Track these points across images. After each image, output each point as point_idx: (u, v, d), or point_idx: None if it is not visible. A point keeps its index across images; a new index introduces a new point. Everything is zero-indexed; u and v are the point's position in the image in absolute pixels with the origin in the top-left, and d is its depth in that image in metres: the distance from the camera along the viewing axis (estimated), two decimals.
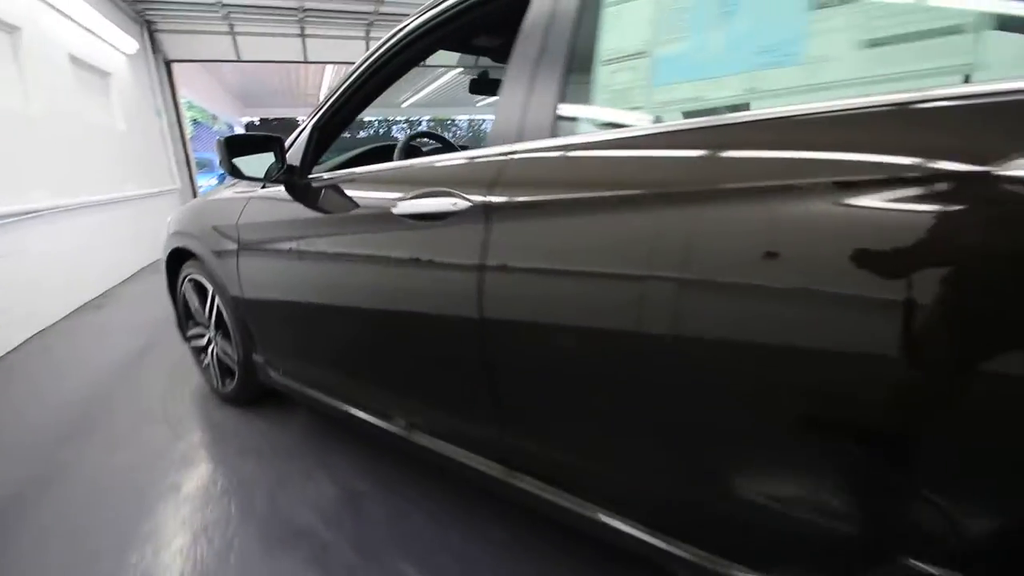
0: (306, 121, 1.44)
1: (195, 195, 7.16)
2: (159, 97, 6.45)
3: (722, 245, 0.65)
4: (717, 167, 0.68)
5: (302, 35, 6.91)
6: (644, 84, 0.78)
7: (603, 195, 0.76)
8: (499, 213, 0.88)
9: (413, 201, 1.02)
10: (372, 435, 1.34)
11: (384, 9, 6.40)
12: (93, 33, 4.54)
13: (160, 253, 2.14)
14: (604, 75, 0.82)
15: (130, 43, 5.34)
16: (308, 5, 6.15)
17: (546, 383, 0.90)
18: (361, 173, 1.27)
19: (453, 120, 18.45)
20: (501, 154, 0.91)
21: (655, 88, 0.77)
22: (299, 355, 1.54)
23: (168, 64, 6.70)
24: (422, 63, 1.39)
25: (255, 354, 1.70)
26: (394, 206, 1.05)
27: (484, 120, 18.09)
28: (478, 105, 15.76)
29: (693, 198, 0.68)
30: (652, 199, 0.71)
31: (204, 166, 11.24)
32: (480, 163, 0.95)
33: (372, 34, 7.09)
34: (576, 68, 0.86)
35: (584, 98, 0.85)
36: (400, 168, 1.20)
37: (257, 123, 18.48)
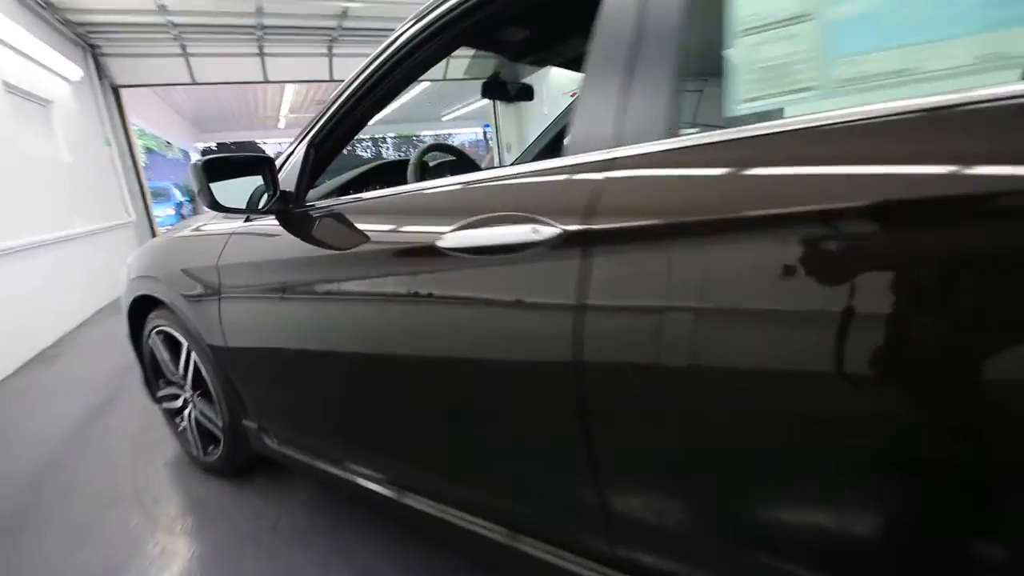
0: (296, 139, 1.19)
1: (152, 226, 6.70)
2: (107, 125, 6.00)
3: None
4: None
5: (260, 54, 6.57)
6: (812, 56, 0.57)
7: (754, 214, 0.55)
8: (602, 239, 0.65)
9: (468, 232, 0.78)
10: (400, 514, 1.09)
11: (348, 24, 6.13)
12: (30, 59, 4.14)
13: (118, 292, 1.83)
14: (743, 50, 0.61)
15: (73, 69, 4.92)
16: (267, 22, 5.84)
17: (679, 450, 0.67)
18: (376, 199, 1.02)
19: (418, 136, 18.16)
20: (596, 163, 0.69)
21: (832, 60, 0.56)
22: (305, 421, 1.27)
23: (116, 90, 6.25)
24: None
25: (245, 420, 1.41)
26: (438, 238, 0.81)
27: (450, 135, 17.83)
28: (444, 120, 15.54)
29: (898, 212, 0.48)
30: (836, 216, 0.50)
31: (160, 195, 10.66)
32: (565, 178, 0.72)
33: (335, 50, 6.80)
34: (695, 44, 0.64)
35: (713, 83, 0.63)
36: (433, 190, 0.94)
37: (214, 148, 17.74)
